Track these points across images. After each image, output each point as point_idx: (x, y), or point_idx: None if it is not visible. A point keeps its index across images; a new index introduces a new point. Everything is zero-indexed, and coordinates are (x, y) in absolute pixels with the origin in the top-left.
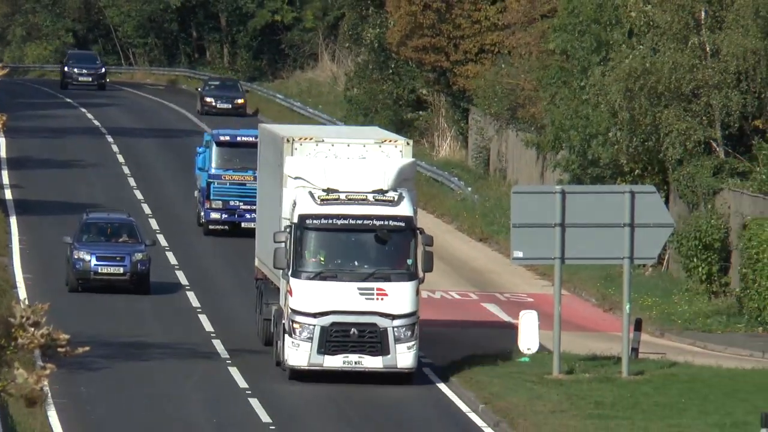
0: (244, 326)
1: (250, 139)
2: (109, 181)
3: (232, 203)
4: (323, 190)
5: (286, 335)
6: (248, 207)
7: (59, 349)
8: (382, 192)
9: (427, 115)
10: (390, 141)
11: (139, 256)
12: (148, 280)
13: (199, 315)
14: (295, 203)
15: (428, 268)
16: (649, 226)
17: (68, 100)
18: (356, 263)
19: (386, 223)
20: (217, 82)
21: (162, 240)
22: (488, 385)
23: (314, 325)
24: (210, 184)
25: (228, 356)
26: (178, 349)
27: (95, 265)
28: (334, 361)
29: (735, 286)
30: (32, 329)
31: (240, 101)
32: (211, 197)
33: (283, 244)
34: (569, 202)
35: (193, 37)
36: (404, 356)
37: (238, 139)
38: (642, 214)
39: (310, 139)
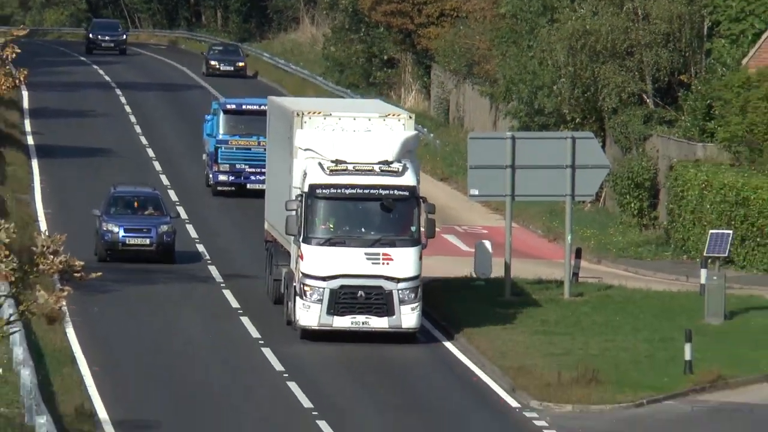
0: (252, 282)
1: (255, 107)
2: (118, 128)
3: (238, 166)
4: (332, 161)
5: (298, 297)
6: (253, 170)
7: (75, 274)
8: (387, 163)
9: (394, 71)
10: (394, 115)
11: (164, 228)
12: (173, 251)
13: (209, 266)
14: (305, 173)
15: (431, 234)
16: (587, 168)
17: (82, 58)
18: (363, 230)
19: (391, 192)
20: (220, 47)
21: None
22: (448, 305)
23: (324, 288)
24: (218, 149)
25: (239, 307)
26: (190, 294)
27: (123, 236)
28: (342, 322)
29: (663, 220)
30: (52, 257)
31: (241, 64)
32: (219, 161)
33: (294, 212)
34: (518, 146)
35: (191, 3)
36: (408, 317)
37: (244, 107)
38: (582, 157)
39: (319, 113)
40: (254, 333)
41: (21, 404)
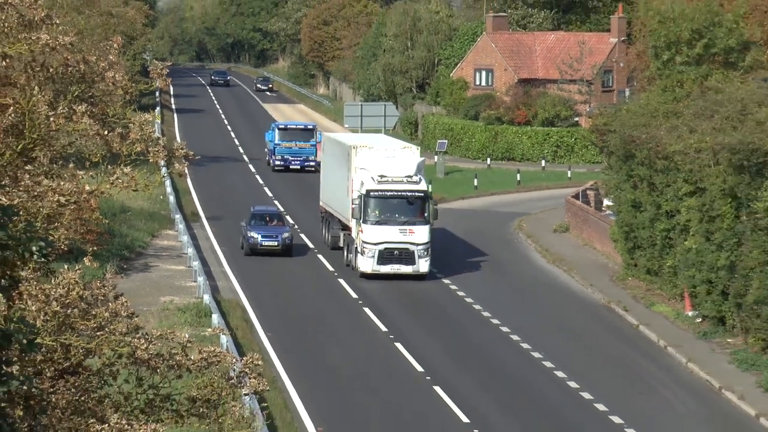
0: (316, 231)
1: (293, 126)
2: (214, 120)
3: (285, 157)
4: (378, 175)
5: (359, 254)
6: (292, 158)
7: (177, 154)
8: (410, 176)
9: (314, 80)
10: (408, 147)
11: (285, 235)
12: (292, 248)
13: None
14: (362, 182)
15: (435, 218)
16: (392, 116)
17: (205, 85)
18: (397, 215)
19: (413, 194)
20: (262, 77)
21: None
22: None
23: (375, 249)
24: (275, 148)
25: (315, 248)
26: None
27: (261, 240)
28: (385, 269)
29: (420, 137)
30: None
31: (271, 86)
32: (275, 154)
33: (358, 205)
34: (364, 108)
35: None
36: (423, 265)
37: (288, 127)
38: (389, 112)
39: (364, 146)
40: (330, 267)
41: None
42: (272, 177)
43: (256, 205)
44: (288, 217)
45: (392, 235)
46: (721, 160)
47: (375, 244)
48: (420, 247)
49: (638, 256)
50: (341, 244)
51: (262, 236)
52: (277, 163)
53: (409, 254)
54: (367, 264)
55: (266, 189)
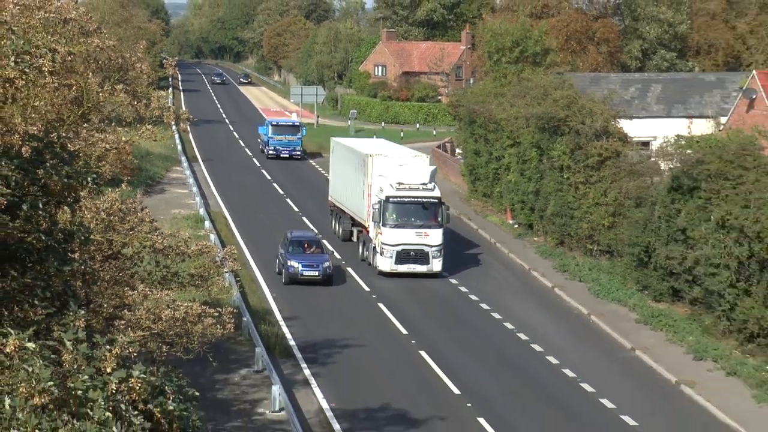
0: (322, 217)
1: (285, 123)
2: (207, 97)
3: (277, 148)
4: (397, 182)
5: (378, 254)
6: (282, 149)
7: (182, 117)
8: (425, 184)
9: (271, 71)
10: (419, 156)
11: (326, 263)
12: (332, 278)
13: (286, 200)
14: (381, 189)
15: (447, 221)
16: (321, 94)
17: (206, 82)
18: (413, 219)
19: (428, 200)
20: (244, 73)
21: (249, 151)
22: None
23: (393, 249)
24: (269, 140)
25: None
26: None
27: (301, 270)
28: (402, 268)
29: (339, 107)
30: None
31: (250, 78)
32: (269, 145)
33: (378, 209)
34: (303, 89)
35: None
36: (437, 265)
37: (280, 123)
38: (320, 92)
39: (379, 154)
40: (339, 257)
41: None
42: (244, 132)
43: (293, 230)
44: (325, 242)
45: (409, 237)
46: (530, 124)
47: (393, 245)
48: (434, 249)
49: (478, 185)
50: (354, 239)
51: (303, 266)
52: (270, 152)
53: (424, 255)
54: (385, 263)
55: (241, 142)
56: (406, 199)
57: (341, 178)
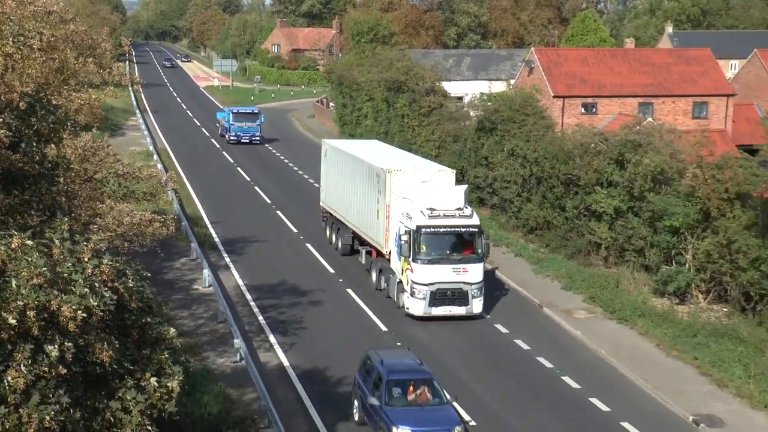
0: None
1: (245, 110)
2: (154, 68)
3: (238, 134)
4: (428, 208)
5: (408, 295)
6: (243, 135)
7: (136, 81)
8: (461, 209)
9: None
10: (443, 170)
11: (458, 429)
12: None
13: (254, 187)
14: (409, 215)
15: (487, 253)
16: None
17: (158, 65)
18: (450, 253)
19: (467, 229)
20: (186, 53)
21: (184, 106)
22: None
23: (427, 290)
24: (231, 127)
25: (313, 248)
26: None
27: None
28: (437, 311)
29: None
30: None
31: (186, 60)
32: (230, 132)
33: (406, 242)
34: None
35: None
36: (477, 306)
37: (240, 111)
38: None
39: (399, 170)
40: (362, 305)
41: None
42: (182, 93)
43: (385, 356)
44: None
45: (445, 274)
46: (381, 85)
47: (427, 284)
48: (474, 287)
49: (345, 128)
50: (362, 260)
51: None
52: (232, 138)
53: (463, 294)
54: (418, 306)
55: (178, 99)
56: (441, 229)
57: (340, 187)
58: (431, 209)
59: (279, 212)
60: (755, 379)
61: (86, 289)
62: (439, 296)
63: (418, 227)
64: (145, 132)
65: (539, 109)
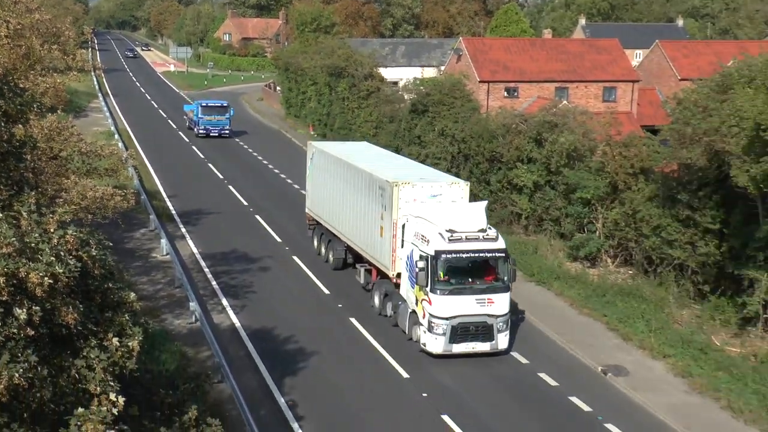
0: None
1: (213, 104)
2: (114, 54)
3: (207, 127)
4: (447, 230)
5: (426, 330)
6: (212, 128)
7: (98, 66)
8: (484, 231)
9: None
10: (456, 183)
11: None
12: None
13: (208, 164)
14: (426, 238)
15: (513, 279)
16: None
17: (120, 54)
18: (473, 281)
19: (493, 254)
20: (146, 42)
21: (143, 89)
22: None
23: (447, 325)
24: (200, 120)
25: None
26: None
27: None
28: (458, 348)
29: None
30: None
31: (146, 47)
32: (199, 125)
33: (422, 270)
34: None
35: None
36: (503, 341)
37: (209, 104)
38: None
39: (407, 183)
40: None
41: None
42: (141, 78)
43: None
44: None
45: (468, 306)
46: (323, 71)
47: (447, 318)
48: (499, 320)
49: (291, 110)
50: (360, 279)
51: None
52: (201, 131)
53: (487, 329)
54: (437, 344)
55: (137, 83)
56: (464, 255)
57: (332, 197)
58: (451, 231)
59: (231, 187)
60: (655, 333)
61: (52, 258)
62: (461, 331)
63: (437, 252)
64: (107, 113)
65: (466, 93)
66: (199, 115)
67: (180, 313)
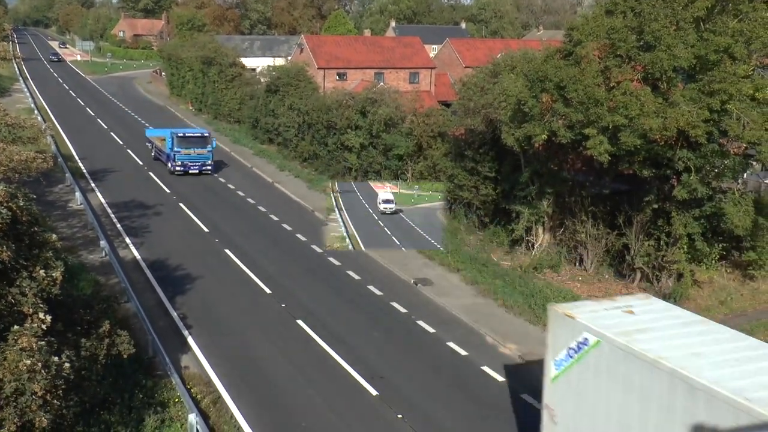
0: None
1: (191, 134)
2: (32, 47)
3: (185, 162)
4: None
5: None
6: (191, 164)
7: (18, 57)
8: None
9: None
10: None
11: None
12: None
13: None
14: None
15: None
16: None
17: (27, 34)
18: None
19: None
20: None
21: (56, 74)
22: None
23: None
24: (175, 155)
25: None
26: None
27: None
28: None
29: None
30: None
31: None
32: (175, 160)
33: None
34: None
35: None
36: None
37: (187, 135)
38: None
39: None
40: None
41: None
42: (55, 66)
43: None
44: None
45: None
46: (198, 60)
47: None
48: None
49: (174, 90)
50: None
51: None
52: (178, 168)
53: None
54: None
55: (51, 70)
56: None
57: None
58: None
59: (129, 150)
60: (451, 253)
61: None
62: None
63: None
64: (27, 94)
65: (308, 77)
66: (175, 148)
67: (93, 250)
